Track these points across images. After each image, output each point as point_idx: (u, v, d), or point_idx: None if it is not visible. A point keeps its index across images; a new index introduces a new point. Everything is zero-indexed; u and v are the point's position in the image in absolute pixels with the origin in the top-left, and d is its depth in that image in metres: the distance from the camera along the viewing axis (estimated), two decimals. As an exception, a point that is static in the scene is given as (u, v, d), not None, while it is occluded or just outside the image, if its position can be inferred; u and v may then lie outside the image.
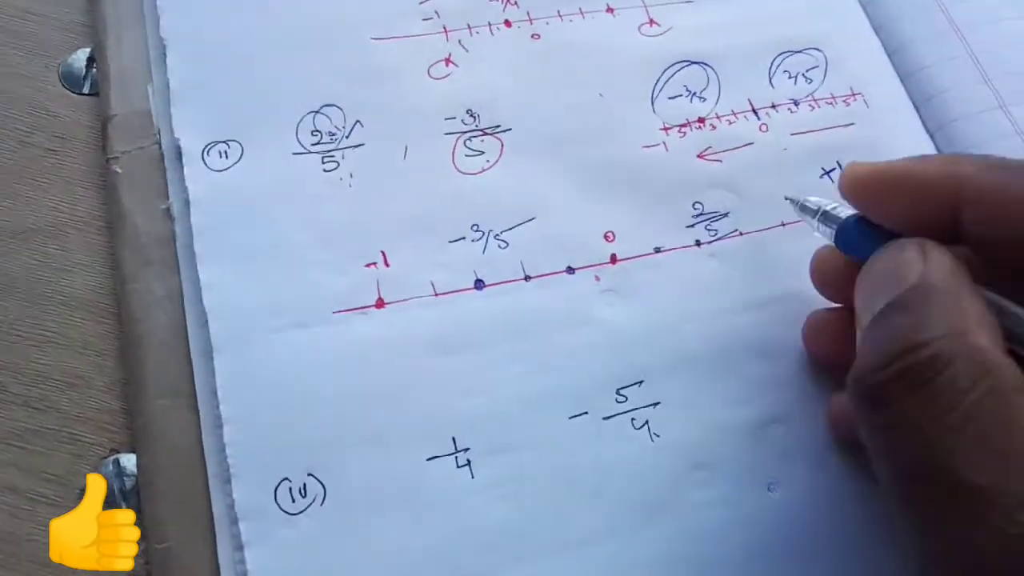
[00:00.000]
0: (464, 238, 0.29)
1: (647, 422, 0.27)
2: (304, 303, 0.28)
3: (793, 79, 0.34)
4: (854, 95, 0.34)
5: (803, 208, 0.27)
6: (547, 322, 0.28)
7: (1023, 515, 0.17)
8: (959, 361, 0.19)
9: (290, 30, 0.32)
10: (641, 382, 0.28)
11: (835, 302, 0.28)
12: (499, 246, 0.29)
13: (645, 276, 0.30)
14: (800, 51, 0.35)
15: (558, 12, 0.34)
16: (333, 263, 0.28)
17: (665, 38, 0.34)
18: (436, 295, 0.28)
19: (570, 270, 0.29)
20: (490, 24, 0.33)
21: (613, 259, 0.30)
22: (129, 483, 0.26)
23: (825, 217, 0.26)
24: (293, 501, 0.25)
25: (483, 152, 0.31)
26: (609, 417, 0.27)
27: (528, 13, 0.34)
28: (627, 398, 0.28)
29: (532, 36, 0.34)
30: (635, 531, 0.26)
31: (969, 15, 0.36)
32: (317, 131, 0.30)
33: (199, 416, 0.26)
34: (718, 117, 0.33)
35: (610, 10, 0.35)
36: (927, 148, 0.33)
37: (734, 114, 0.33)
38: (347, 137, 0.30)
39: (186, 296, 0.28)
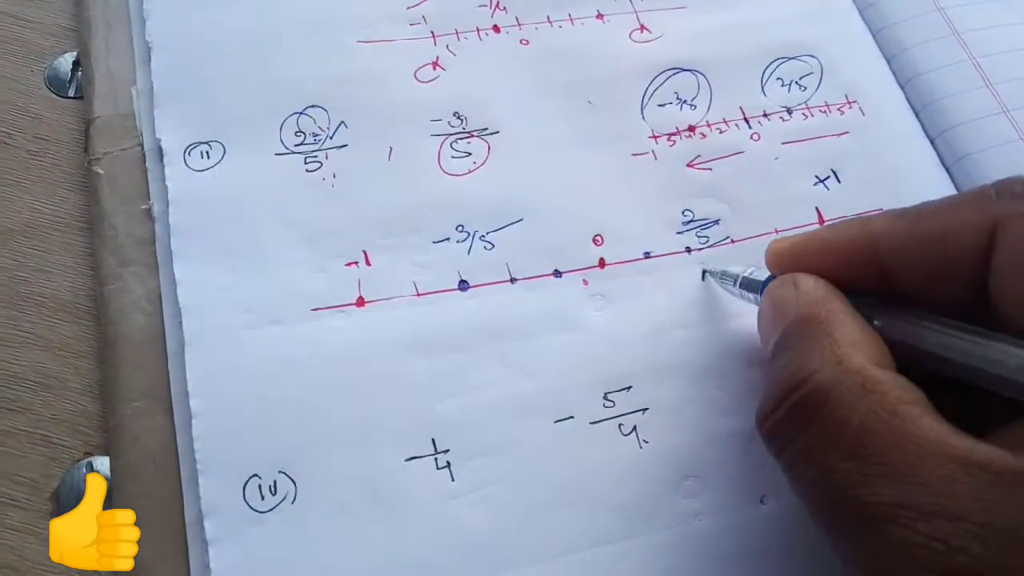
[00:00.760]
0: (448, 239, 0.29)
1: (635, 428, 0.27)
2: (281, 300, 0.27)
3: (787, 87, 0.34)
4: (849, 103, 0.34)
5: (723, 276, 0.28)
6: (533, 325, 0.28)
7: (923, 525, 0.17)
8: (839, 389, 0.19)
9: (276, 33, 0.32)
10: (629, 387, 0.27)
11: None
12: (485, 247, 0.29)
13: (634, 281, 0.29)
14: (794, 58, 0.34)
15: (548, 18, 0.34)
16: (312, 261, 0.28)
17: (656, 45, 0.34)
18: (418, 295, 0.28)
19: (557, 273, 0.29)
20: (478, 29, 0.33)
21: (602, 263, 0.29)
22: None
23: (746, 283, 0.27)
24: (262, 498, 0.24)
25: (470, 154, 0.31)
26: (596, 422, 0.27)
27: (517, 19, 0.34)
28: (615, 403, 0.27)
29: (521, 41, 0.33)
30: (620, 540, 0.25)
31: (970, 20, 0.35)
32: (301, 132, 0.30)
33: (174, 419, 0.26)
34: (709, 125, 0.33)
35: (600, 16, 0.34)
36: (926, 154, 0.33)
37: (725, 122, 0.33)
38: (331, 138, 0.30)
39: (164, 297, 0.27)
